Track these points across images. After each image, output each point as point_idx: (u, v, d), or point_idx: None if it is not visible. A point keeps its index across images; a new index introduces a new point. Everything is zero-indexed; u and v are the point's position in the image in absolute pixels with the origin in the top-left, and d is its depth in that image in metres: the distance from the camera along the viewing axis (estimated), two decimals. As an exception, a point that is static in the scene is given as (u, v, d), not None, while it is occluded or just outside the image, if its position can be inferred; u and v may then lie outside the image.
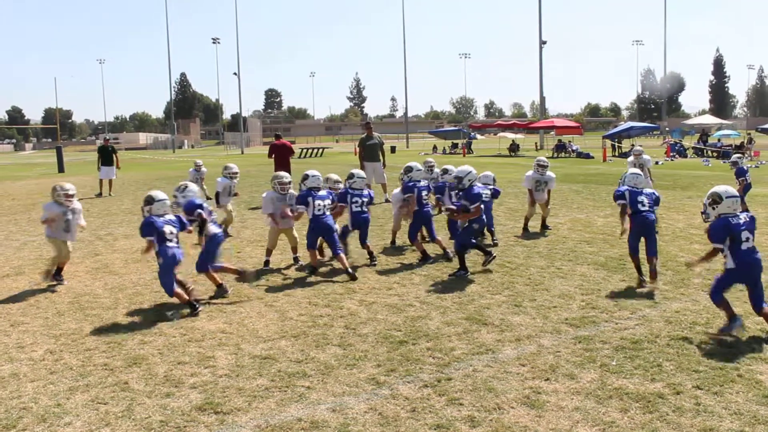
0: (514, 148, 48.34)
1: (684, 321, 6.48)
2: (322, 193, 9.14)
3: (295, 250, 9.83)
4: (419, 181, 9.96)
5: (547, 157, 16.33)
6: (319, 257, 9.44)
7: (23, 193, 23.41)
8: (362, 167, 16.28)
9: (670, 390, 4.86)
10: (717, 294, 6.15)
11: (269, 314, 7.15)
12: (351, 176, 9.61)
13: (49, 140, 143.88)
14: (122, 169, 24.48)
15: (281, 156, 18.21)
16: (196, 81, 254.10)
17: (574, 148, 43.38)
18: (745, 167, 14.22)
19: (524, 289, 7.91)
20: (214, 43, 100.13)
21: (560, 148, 43.32)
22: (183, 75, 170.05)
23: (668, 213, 13.78)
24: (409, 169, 10.11)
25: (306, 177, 9.22)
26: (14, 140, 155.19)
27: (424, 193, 9.83)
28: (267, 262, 9.62)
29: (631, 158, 15.75)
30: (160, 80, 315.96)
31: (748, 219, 6.16)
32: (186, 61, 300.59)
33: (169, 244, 7.36)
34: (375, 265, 9.47)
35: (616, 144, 42.78)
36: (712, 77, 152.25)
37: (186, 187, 8.56)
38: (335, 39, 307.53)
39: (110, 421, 4.67)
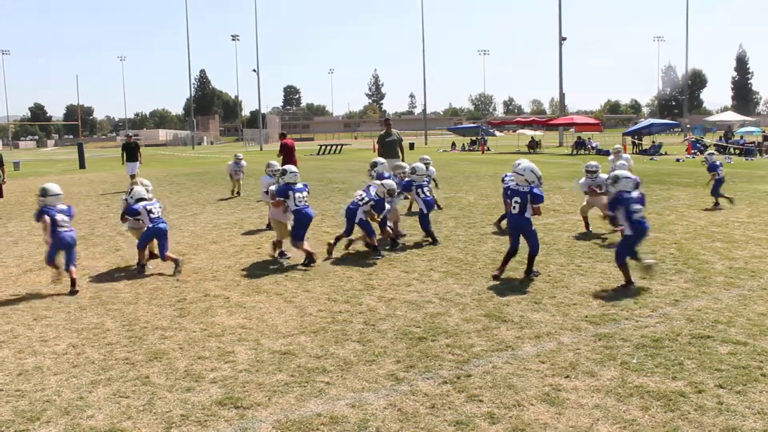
0: (533, 145, 48.12)
1: (706, 319, 6.42)
2: (300, 186, 9.69)
3: (280, 244, 10.06)
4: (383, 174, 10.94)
5: (567, 154, 16.20)
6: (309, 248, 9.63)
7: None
8: None
9: (692, 388, 4.82)
10: (621, 257, 7.82)
11: (288, 310, 7.18)
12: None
13: (71, 137, 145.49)
14: (143, 165, 24.75)
15: (288, 153, 18.89)
16: (216, 78, 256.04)
17: (593, 145, 43.10)
18: (717, 163, 14.58)
19: (544, 286, 7.87)
20: (233, 40, 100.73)
21: (580, 145, 43.06)
22: (203, 72, 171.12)
23: (689, 211, 13.66)
24: (374, 164, 11.44)
25: (284, 172, 9.77)
26: (37, 137, 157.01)
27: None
28: (282, 254, 9.90)
29: (611, 157, 15.52)
30: (179, 77, 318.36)
31: (639, 196, 8.00)
32: (206, 59, 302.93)
33: (60, 229, 8.53)
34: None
35: (636, 141, 42.44)
36: (735, 74, 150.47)
37: (131, 190, 9.66)
38: (354, 36, 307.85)
39: (132, 415, 4.71)
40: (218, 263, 9.73)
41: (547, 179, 16.23)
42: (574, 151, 41.53)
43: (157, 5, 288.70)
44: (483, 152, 46.99)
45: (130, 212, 9.45)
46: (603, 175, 11.34)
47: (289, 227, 9.73)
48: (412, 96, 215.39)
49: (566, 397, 4.76)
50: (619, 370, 5.21)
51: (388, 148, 17.52)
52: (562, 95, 63.19)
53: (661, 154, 36.49)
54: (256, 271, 9.13)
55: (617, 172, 8.20)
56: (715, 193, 14.25)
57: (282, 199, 9.52)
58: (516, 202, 8.25)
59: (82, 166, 38.87)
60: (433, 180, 14.25)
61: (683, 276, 8.14)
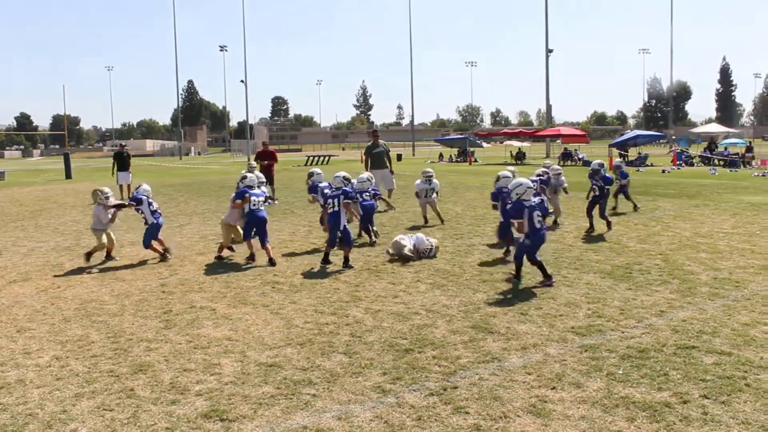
0: (520, 156, 48.33)
1: (691, 330, 6.45)
2: (257, 191, 10.79)
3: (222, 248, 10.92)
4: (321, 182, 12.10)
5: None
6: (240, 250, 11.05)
7: (31, 200, 23.49)
8: None
9: (677, 399, 4.84)
10: (518, 258, 8.61)
11: (275, 322, 7.16)
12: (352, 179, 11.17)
13: (57, 147, 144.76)
14: (132, 175, 24.70)
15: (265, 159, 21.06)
16: (204, 88, 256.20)
17: (580, 156, 43.36)
18: (626, 171, 16.27)
19: (530, 297, 7.89)
20: (221, 50, 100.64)
21: (567, 156, 43.32)
22: (190, 82, 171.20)
23: (675, 222, 13.75)
24: (310, 174, 12.68)
25: (244, 177, 10.99)
26: (22, 146, 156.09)
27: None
28: (220, 257, 10.86)
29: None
30: (167, 87, 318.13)
31: (540, 202, 8.58)
32: (193, 69, 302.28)
33: (253, 208, 10.42)
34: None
35: (623, 152, 42.71)
36: (718, 86, 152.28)
37: (245, 177, 11.01)
38: (342, 47, 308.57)
39: (116, 428, 4.67)
40: (204, 275, 9.68)
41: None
42: (561, 163, 41.71)
43: (145, 15, 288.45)
44: (470, 163, 47.13)
45: (239, 195, 10.68)
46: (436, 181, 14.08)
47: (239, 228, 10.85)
48: (399, 107, 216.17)
49: (552, 408, 4.76)
50: (605, 381, 5.22)
51: (376, 159, 17.62)
52: (548, 107, 63.75)
53: (647, 166, 36.73)
54: (242, 282, 9.10)
55: (517, 180, 8.85)
56: (616, 196, 15.64)
57: (240, 201, 10.58)
58: (539, 215, 8.46)
59: (68, 176, 38.67)
60: (436, 192, 14.30)
61: (669, 287, 8.18)
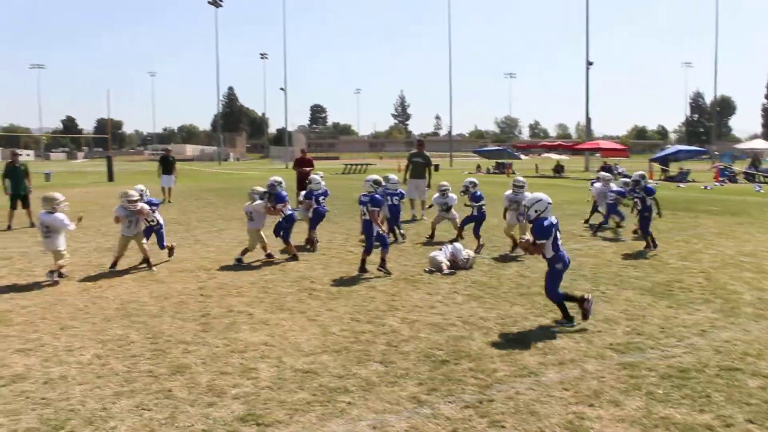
0: (558, 169, 47.92)
1: (734, 351, 6.31)
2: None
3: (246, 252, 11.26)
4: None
5: (593, 180, 16.10)
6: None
7: (75, 201, 23.93)
8: (405, 182, 16.88)
9: (720, 422, 4.73)
10: (554, 293, 7.38)
11: (311, 328, 7.19)
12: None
13: (100, 150, 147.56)
14: (175, 178, 25.18)
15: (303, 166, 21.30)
16: (244, 95, 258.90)
17: (620, 170, 42.79)
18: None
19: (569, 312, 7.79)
20: (262, 58, 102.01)
21: (606, 170, 42.74)
22: (231, 89, 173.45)
23: (717, 239, 13.49)
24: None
25: (278, 183, 11.63)
26: (67, 149, 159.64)
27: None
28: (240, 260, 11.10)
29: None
30: (208, 93, 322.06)
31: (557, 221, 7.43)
32: (234, 76, 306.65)
33: (318, 206, 12.67)
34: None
35: (664, 168, 42.09)
36: (765, 100, 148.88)
37: (280, 182, 11.77)
38: (381, 57, 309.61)
39: (154, 428, 4.73)
40: (243, 279, 9.78)
41: (572, 204, 16.19)
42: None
43: (188, 23, 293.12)
44: (508, 175, 46.89)
45: (280, 199, 11.54)
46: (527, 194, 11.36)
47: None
48: (437, 117, 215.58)
49: (590, 425, 4.70)
50: (644, 400, 5.14)
51: (415, 167, 17.65)
52: (588, 120, 63.12)
53: (689, 182, 36.13)
54: (279, 288, 9.16)
55: (536, 195, 7.57)
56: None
57: (281, 205, 11.52)
58: (559, 237, 7.46)
59: (110, 178, 39.40)
60: (449, 207, 13.70)
61: (711, 306, 8.02)
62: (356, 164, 55.93)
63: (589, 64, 58.72)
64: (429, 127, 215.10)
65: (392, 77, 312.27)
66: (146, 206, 10.73)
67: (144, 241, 10.71)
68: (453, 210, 13.63)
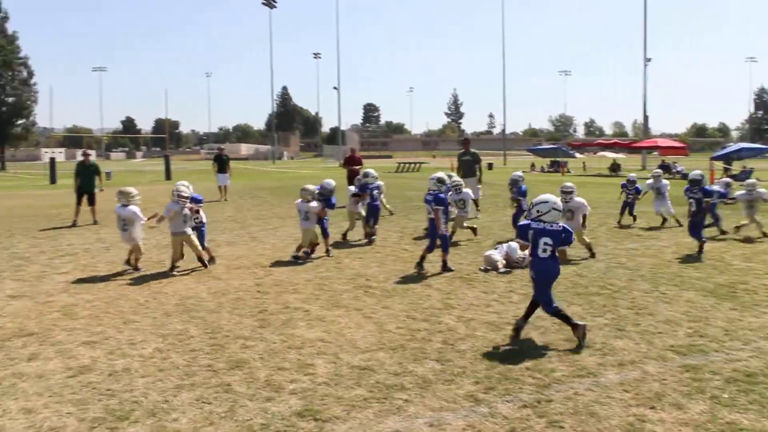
0: (614, 167, 47.07)
1: (803, 355, 6.10)
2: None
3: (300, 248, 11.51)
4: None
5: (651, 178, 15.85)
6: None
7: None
8: None
9: (790, 428, 4.58)
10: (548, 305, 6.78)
11: (367, 326, 7.22)
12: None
13: (158, 149, 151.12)
14: (230, 176, 25.61)
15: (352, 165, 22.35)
16: (297, 95, 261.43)
17: (678, 169, 41.84)
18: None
19: (627, 312, 7.66)
20: (315, 58, 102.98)
21: (664, 169, 41.82)
22: (284, 89, 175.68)
23: (783, 240, 13.05)
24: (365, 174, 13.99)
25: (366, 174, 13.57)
26: (127, 148, 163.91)
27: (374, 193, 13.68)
28: (297, 257, 11.37)
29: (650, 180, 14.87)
30: (262, 93, 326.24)
31: (561, 228, 6.78)
32: (288, 75, 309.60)
33: (374, 203, 13.35)
34: None
35: (726, 166, 40.93)
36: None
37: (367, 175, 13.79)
38: (434, 55, 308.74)
39: (214, 421, 4.82)
40: (298, 276, 9.89)
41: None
42: (659, 176, 40.35)
43: (243, 24, 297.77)
44: (563, 174, 46.27)
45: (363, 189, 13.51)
46: (577, 199, 11.38)
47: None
48: (491, 116, 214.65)
49: (652, 429, 4.60)
50: (708, 404, 5.01)
51: (464, 166, 17.65)
52: (645, 117, 61.85)
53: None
54: (335, 285, 9.23)
55: (544, 196, 7.00)
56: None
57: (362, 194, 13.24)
58: (547, 244, 6.74)
59: (168, 177, 40.32)
60: (465, 203, 13.46)
61: (777, 308, 7.77)
62: (409, 163, 55.92)
63: (647, 60, 57.52)
64: (482, 125, 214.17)
65: (445, 76, 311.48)
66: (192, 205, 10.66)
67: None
68: (468, 205, 13.53)
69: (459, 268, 10.32)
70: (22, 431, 4.70)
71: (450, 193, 12.74)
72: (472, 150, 18.15)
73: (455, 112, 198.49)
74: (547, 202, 6.90)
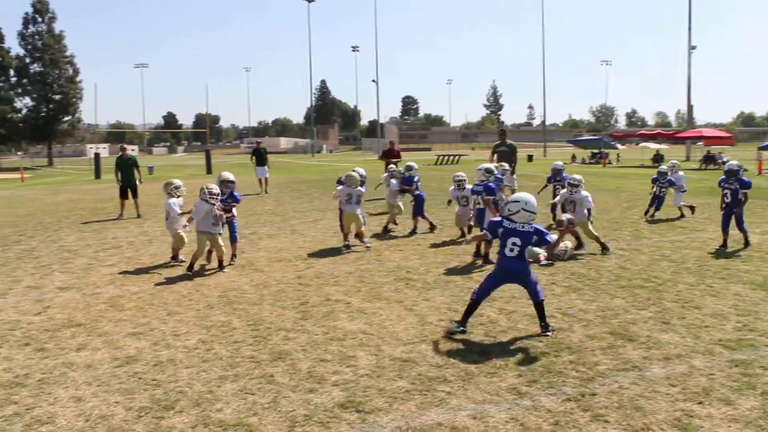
0: (658, 158, 46.26)
1: None
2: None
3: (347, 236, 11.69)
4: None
5: (695, 169, 15.57)
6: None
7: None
8: None
9: (844, 424, 4.45)
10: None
11: (409, 318, 7.22)
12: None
13: (199, 144, 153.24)
14: (269, 169, 25.85)
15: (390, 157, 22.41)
16: (336, 88, 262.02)
17: (724, 159, 40.89)
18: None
19: (672, 306, 7.52)
20: (353, 51, 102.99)
21: (709, 159, 40.98)
22: (323, 82, 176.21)
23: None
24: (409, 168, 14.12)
25: (410, 167, 13.95)
26: (168, 143, 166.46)
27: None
28: (348, 246, 11.60)
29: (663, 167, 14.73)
30: (301, 87, 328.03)
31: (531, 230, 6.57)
32: (326, 69, 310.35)
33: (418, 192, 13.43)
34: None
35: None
36: None
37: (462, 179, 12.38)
38: (473, 47, 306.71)
39: (257, 411, 4.87)
40: (339, 269, 9.93)
41: (670, 195, 15.56)
42: (703, 166, 39.59)
43: (281, 18, 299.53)
44: (604, 165, 45.63)
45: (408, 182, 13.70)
46: (583, 192, 11.00)
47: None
48: (530, 107, 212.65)
49: (699, 424, 4.51)
50: (759, 400, 4.89)
51: (500, 157, 17.65)
52: (690, 107, 60.52)
53: (801, 171, 34.12)
54: (376, 278, 9.25)
55: (524, 196, 6.69)
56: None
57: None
58: (515, 244, 6.57)
59: (209, 171, 40.80)
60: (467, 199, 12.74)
61: (830, 302, 7.56)
62: (448, 155, 55.69)
63: (692, 48, 56.30)
64: (521, 117, 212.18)
65: (484, 67, 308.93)
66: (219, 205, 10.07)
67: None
68: (471, 203, 12.04)
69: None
70: (73, 419, 4.81)
71: (451, 188, 12.56)
72: (509, 141, 18.13)
73: (494, 104, 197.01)
74: (518, 201, 6.62)
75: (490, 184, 10.33)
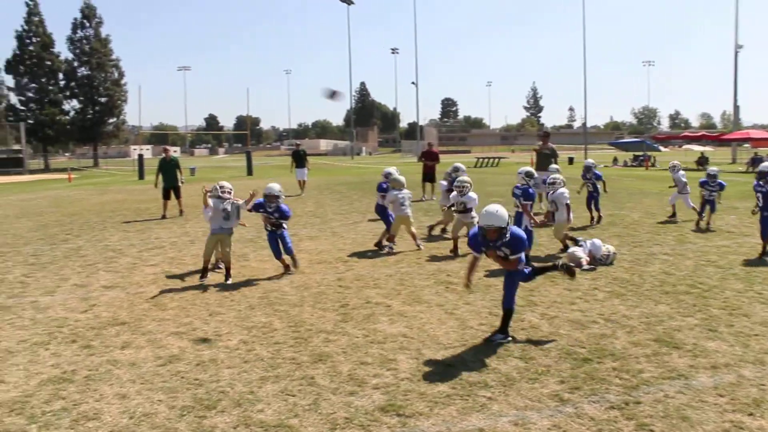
0: (702, 161, 45.34)
1: None
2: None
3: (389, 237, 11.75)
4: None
5: (741, 172, 15.19)
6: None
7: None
8: None
9: None
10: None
11: (449, 322, 7.19)
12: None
13: (239, 145, 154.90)
14: (308, 171, 26.06)
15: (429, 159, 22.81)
16: (375, 90, 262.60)
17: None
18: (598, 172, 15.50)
19: (719, 313, 7.35)
20: (393, 53, 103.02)
21: (757, 161, 39.96)
22: (363, 84, 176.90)
23: None
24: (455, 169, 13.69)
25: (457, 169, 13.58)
26: (210, 145, 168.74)
27: None
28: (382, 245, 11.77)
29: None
30: (341, 89, 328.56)
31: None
32: (366, 71, 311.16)
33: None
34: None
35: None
36: None
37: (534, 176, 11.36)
38: (512, 48, 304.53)
39: (298, 413, 4.89)
40: (379, 271, 9.93)
41: (723, 198, 15.20)
42: (750, 169, 38.63)
43: (320, 21, 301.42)
44: (647, 168, 44.90)
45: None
46: (561, 190, 11.06)
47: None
48: (571, 109, 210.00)
49: (750, 435, 4.40)
50: (812, 411, 4.75)
51: (541, 160, 17.58)
52: (736, 108, 59.26)
53: None
54: (416, 281, 9.23)
55: (495, 212, 6.27)
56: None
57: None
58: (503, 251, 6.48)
59: (249, 173, 41.19)
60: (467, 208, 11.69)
61: None
62: (488, 158, 55.38)
63: (739, 47, 55.06)
64: (562, 119, 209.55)
65: (524, 69, 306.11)
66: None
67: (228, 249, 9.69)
68: (473, 212, 11.01)
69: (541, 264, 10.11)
70: (118, 416, 4.89)
71: (453, 194, 11.72)
72: (551, 144, 18.02)
73: (534, 106, 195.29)
74: (482, 214, 6.31)
75: (530, 188, 10.25)
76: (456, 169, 13.86)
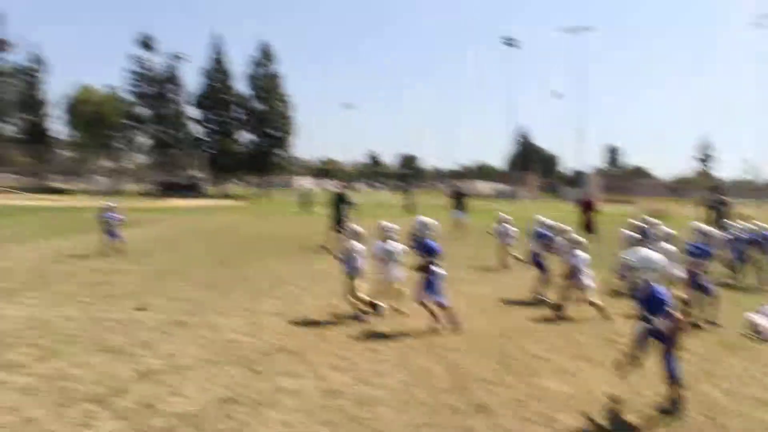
0: None
1: None
2: None
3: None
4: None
5: None
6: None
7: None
8: None
9: None
10: None
11: (618, 384, 6.77)
12: None
13: (401, 183, 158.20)
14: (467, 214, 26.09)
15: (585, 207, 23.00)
16: (537, 134, 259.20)
17: None
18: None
19: None
20: (557, 98, 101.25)
21: None
22: (523, 128, 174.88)
23: None
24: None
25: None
26: (372, 181, 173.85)
27: None
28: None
29: None
30: (501, 132, 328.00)
31: None
32: (528, 114, 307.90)
33: None
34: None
35: None
36: None
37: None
38: (682, 94, 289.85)
39: (458, 463, 4.80)
40: (540, 322, 9.63)
41: None
42: None
43: (482, 63, 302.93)
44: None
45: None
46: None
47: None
48: (745, 160, 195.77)
49: None
50: None
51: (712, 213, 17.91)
52: None
53: None
54: (578, 336, 8.84)
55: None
56: None
57: None
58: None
59: (412, 211, 41.94)
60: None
61: None
62: (653, 210, 52.61)
63: None
64: (736, 171, 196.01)
65: (696, 116, 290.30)
66: None
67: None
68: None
69: (720, 332, 9.35)
70: (281, 445, 5.03)
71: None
72: (722, 197, 18.07)
73: (705, 156, 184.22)
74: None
75: (707, 247, 9.58)
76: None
